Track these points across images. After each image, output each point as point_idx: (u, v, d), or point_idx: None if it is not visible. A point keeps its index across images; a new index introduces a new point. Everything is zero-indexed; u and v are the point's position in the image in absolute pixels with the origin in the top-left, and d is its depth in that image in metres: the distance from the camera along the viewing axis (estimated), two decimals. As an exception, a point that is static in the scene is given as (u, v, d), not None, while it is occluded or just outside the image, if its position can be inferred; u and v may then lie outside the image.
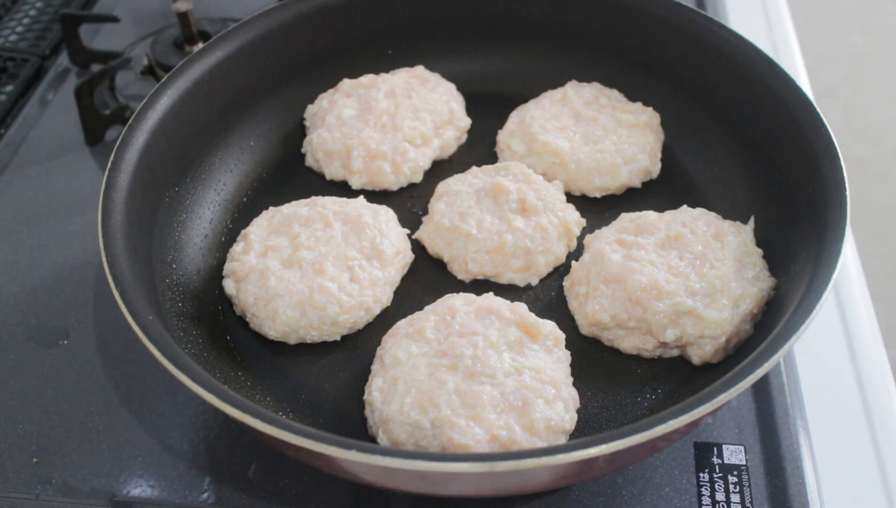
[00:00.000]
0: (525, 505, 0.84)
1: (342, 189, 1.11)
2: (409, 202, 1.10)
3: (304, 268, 0.93)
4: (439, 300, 0.92)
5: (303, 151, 1.16)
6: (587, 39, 1.19)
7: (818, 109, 0.94)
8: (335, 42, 1.18)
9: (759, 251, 0.95)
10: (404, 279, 1.00)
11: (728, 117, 1.07)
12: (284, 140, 1.17)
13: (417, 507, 0.84)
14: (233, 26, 1.09)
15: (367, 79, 1.17)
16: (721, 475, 0.85)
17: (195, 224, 1.03)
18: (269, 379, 0.92)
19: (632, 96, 1.16)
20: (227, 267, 0.98)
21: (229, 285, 0.96)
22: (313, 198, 1.03)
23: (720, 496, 0.84)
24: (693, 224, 0.96)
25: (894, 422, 0.93)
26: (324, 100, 1.16)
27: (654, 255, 0.93)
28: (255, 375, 0.92)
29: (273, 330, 0.92)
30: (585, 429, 0.87)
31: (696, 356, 0.90)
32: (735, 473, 0.85)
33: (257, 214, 1.03)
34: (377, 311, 0.96)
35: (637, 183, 1.10)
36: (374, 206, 1.03)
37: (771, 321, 0.87)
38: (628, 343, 0.92)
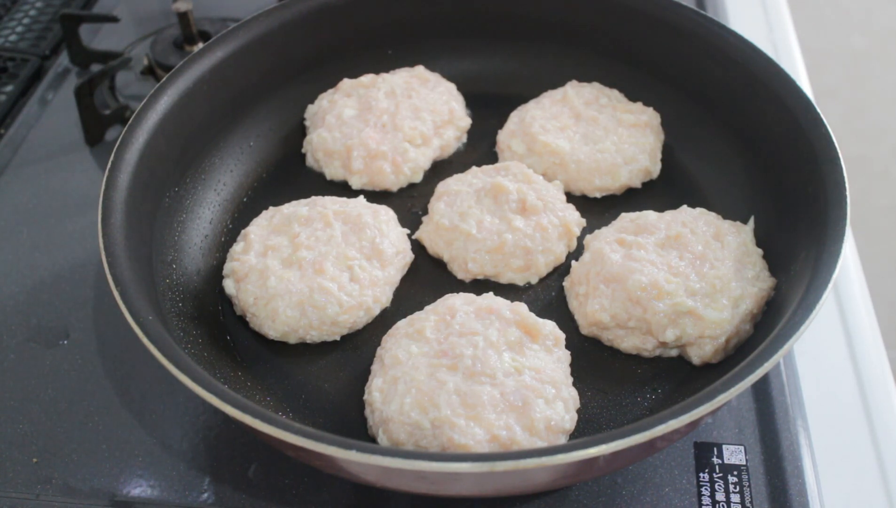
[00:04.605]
0: (525, 505, 0.84)
1: (342, 189, 1.11)
2: (409, 202, 1.10)
3: (304, 268, 0.93)
4: (439, 300, 0.92)
5: (303, 151, 1.16)
6: (587, 39, 1.19)
7: (818, 109, 0.94)
8: (335, 42, 1.18)
9: (759, 251, 0.95)
10: (404, 279, 1.00)
11: (728, 117, 1.07)
12: (284, 140, 1.17)
13: (417, 507, 0.84)
14: (233, 26, 1.09)
15: (367, 79, 1.17)
16: (721, 475, 0.85)
17: (195, 224, 1.03)
18: (269, 379, 0.92)
19: (632, 96, 1.16)
20: (227, 267, 0.98)
21: (229, 285, 0.96)
22: (313, 198, 1.03)
23: (720, 496, 0.84)
24: (693, 224, 0.96)
25: (894, 422, 0.93)
26: (324, 100, 1.16)
27: (654, 255, 0.93)
28: (255, 375, 0.92)
29: (273, 330, 0.92)
30: (585, 429, 0.87)
31: (696, 356, 0.90)
32: (735, 473, 0.85)
33: (257, 214, 1.03)
34: (377, 311, 0.96)
35: (637, 183, 1.10)
36: (374, 206, 1.03)
37: (771, 321, 0.87)
38: (628, 343, 0.92)
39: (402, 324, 0.90)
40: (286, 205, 1.02)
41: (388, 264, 0.97)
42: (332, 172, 1.11)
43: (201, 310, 0.95)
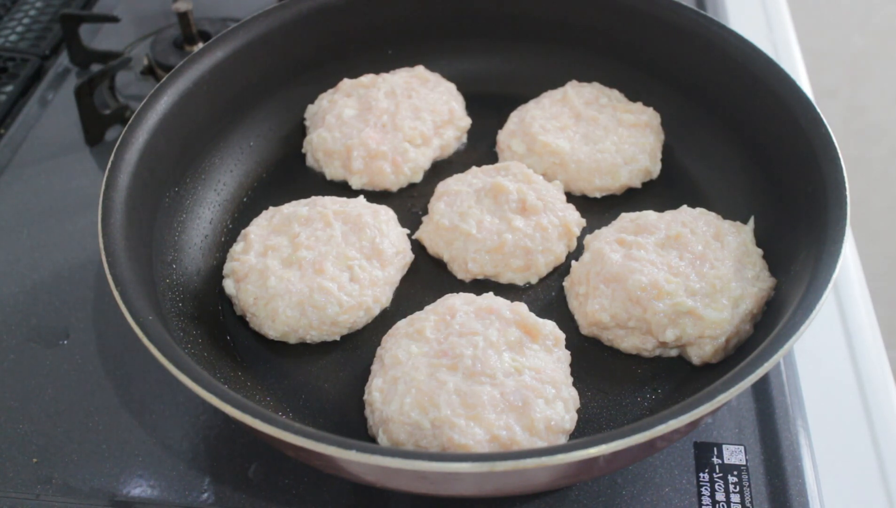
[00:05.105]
0: (525, 505, 0.84)
1: (342, 189, 1.11)
2: (409, 202, 1.10)
3: (304, 268, 0.93)
4: (439, 300, 0.92)
5: (303, 151, 1.16)
6: (587, 39, 1.19)
7: (818, 109, 0.94)
8: (335, 42, 1.18)
9: (759, 251, 0.95)
10: (404, 279, 1.00)
11: (728, 117, 1.07)
12: (284, 140, 1.17)
13: (417, 507, 0.84)
14: (233, 26, 1.09)
15: (367, 79, 1.17)
16: (721, 475, 0.85)
17: (195, 224, 1.03)
18: (269, 379, 0.92)
19: (632, 96, 1.16)
20: (227, 267, 0.98)
21: (229, 285, 0.96)
22: (313, 198, 1.03)
23: (720, 496, 0.84)
24: (693, 224, 0.96)
25: (894, 422, 0.93)
26: (324, 100, 1.16)
27: (654, 255, 0.93)
28: (255, 375, 0.92)
29: (273, 330, 0.92)
30: (585, 429, 0.87)
31: (696, 356, 0.90)
32: (735, 473, 0.85)
33: (257, 214, 1.03)
34: (377, 311, 0.96)
35: (637, 183, 1.10)
36: (374, 206, 1.03)
37: (771, 321, 0.87)
38: (628, 343, 0.92)
39: (402, 324, 0.90)
40: (286, 205, 1.02)
41: (388, 264, 0.97)
42: (332, 172, 1.11)
43: (201, 310, 0.95)
